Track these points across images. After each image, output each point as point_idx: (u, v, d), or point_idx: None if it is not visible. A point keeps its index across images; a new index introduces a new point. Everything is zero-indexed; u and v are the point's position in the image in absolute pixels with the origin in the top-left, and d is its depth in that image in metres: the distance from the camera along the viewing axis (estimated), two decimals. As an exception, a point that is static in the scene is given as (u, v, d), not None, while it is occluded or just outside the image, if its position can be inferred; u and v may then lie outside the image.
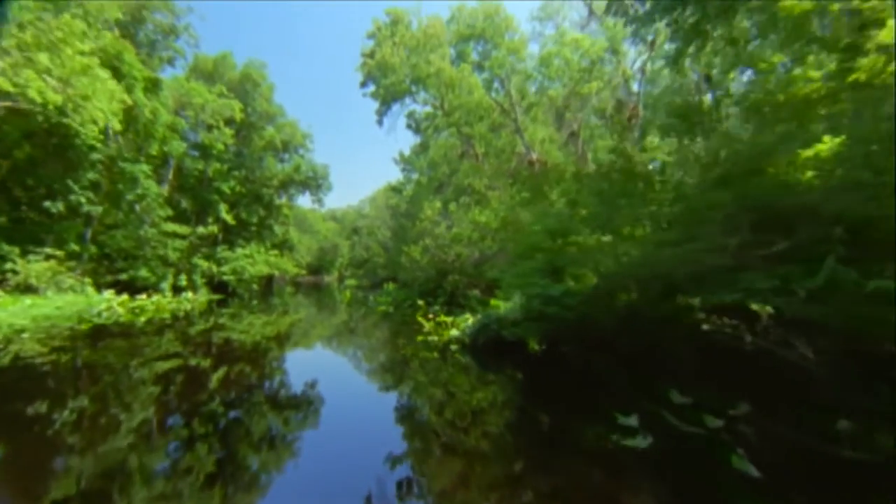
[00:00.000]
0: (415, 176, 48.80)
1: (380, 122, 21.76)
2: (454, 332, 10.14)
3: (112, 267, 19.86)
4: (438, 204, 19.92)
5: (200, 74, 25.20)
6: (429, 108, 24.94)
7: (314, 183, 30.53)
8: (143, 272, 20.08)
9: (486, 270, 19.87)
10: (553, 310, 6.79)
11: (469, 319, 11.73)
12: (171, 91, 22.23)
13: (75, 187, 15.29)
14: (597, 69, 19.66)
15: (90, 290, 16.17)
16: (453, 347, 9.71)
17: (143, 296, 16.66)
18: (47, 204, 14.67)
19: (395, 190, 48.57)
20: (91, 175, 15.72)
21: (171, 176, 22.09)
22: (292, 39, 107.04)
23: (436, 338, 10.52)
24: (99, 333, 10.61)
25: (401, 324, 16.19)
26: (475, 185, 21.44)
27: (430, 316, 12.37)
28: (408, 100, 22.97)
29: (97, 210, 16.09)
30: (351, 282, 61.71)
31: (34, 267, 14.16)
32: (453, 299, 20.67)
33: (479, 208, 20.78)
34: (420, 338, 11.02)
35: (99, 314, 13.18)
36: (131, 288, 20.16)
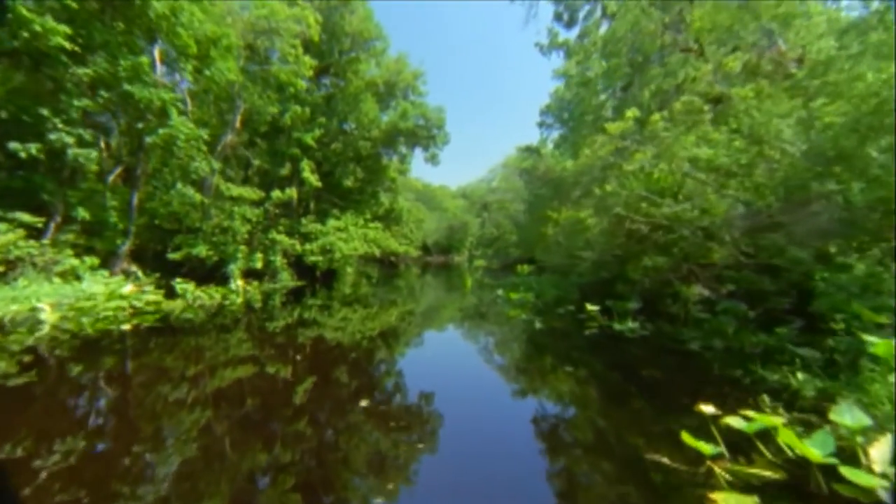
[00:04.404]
0: (550, 133, 38.51)
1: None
2: None
3: (167, 243, 15.42)
4: (632, 113, 9.90)
5: (279, -5, 19.42)
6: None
7: (425, 133, 23.00)
8: (201, 249, 15.14)
9: (712, 250, 9.89)
10: None
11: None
12: (238, 20, 16.73)
13: (56, 121, 10.12)
14: None
15: (100, 277, 11.23)
16: None
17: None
18: (13, 146, 9.69)
19: (529, 150, 38.78)
20: (80, 102, 10.40)
21: (237, 123, 16.77)
22: None
23: None
24: None
25: (570, 368, 7.18)
26: (692, 81, 10.79)
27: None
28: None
29: (90, 155, 10.82)
30: (479, 262, 54.90)
31: (-9, 240, 9.33)
32: (654, 305, 10.99)
33: (705, 128, 10.24)
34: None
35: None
36: (198, 273, 15.52)
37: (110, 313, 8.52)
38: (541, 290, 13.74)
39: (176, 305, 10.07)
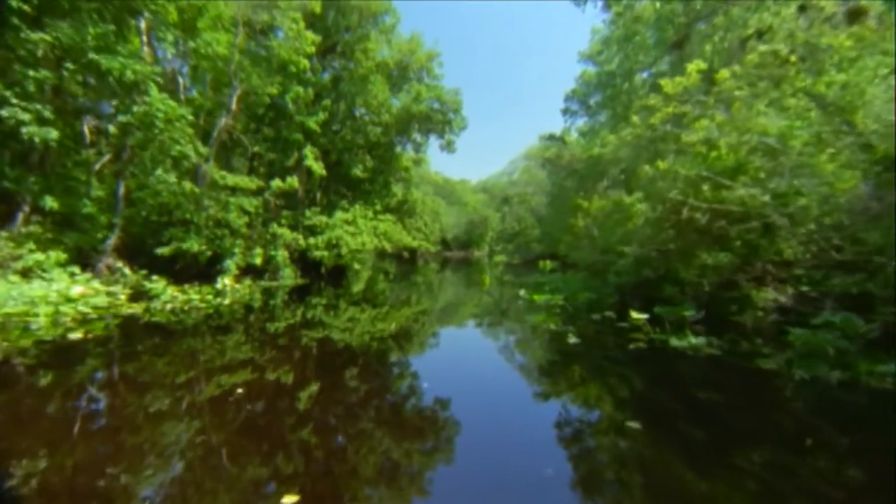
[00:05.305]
0: (575, 121, 35.80)
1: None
2: None
3: (157, 237, 14.16)
4: (696, 66, 7.74)
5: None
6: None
7: (440, 117, 21.16)
8: (192, 244, 13.82)
9: (790, 244, 7.91)
10: None
11: None
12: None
13: (8, 94, 8.81)
14: None
15: (65, 274, 9.93)
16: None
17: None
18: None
19: (553, 138, 36.40)
20: (38, 73, 9.06)
21: (234, 105, 15.35)
22: None
23: None
24: None
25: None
26: (766, 32, 8.56)
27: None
28: None
29: (48, 134, 9.45)
30: (499, 258, 52.97)
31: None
32: (712, 313, 8.96)
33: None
34: None
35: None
36: (193, 269, 14.32)
37: (45, 320, 7.09)
38: (570, 292, 11.79)
39: (139, 309, 8.62)
